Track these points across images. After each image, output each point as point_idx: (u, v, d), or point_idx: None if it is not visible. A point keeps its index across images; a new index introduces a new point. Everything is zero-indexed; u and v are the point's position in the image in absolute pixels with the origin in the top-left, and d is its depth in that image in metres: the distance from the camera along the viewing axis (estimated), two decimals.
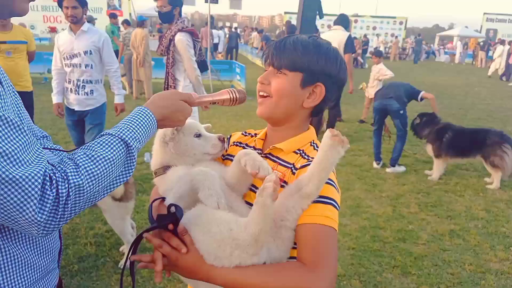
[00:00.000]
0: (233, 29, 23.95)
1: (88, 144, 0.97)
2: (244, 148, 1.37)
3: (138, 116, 1.05)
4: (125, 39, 10.17)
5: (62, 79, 4.17)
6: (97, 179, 0.92)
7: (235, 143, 1.41)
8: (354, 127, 8.38)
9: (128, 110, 6.25)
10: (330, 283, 0.97)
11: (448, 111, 10.31)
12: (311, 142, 1.28)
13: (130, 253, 1.10)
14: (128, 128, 1.01)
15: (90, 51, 4.01)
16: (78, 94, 4.10)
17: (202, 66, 4.45)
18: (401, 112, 5.64)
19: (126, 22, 11.25)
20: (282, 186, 1.20)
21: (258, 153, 1.30)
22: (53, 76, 4.18)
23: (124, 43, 10.23)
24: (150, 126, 1.07)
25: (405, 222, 4.22)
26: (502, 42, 21.49)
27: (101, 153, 0.94)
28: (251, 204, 1.22)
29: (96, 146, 0.95)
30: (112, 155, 0.95)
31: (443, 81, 16.89)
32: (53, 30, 26.44)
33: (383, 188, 5.15)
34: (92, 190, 0.91)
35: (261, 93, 1.24)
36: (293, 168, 1.20)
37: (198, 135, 1.31)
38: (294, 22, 13.34)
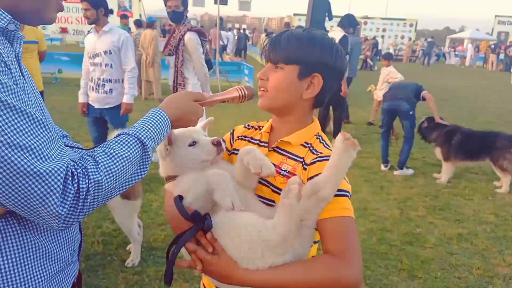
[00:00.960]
0: (241, 31, 24.05)
1: (107, 142, 1.02)
2: (249, 141, 1.40)
3: (153, 117, 1.09)
4: (136, 40, 10.24)
5: (88, 80, 4.33)
6: (115, 176, 0.96)
7: (239, 137, 1.43)
8: (362, 129, 8.35)
9: (137, 110, 6.30)
10: (359, 266, 1.05)
11: (458, 114, 10.23)
12: (316, 135, 1.31)
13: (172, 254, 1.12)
14: (144, 128, 1.05)
15: (110, 50, 4.10)
16: (98, 92, 4.22)
17: (208, 65, 4.53)
18: (411, 113, 5.61)
19: (137, 23, 11.33)
20: None
21: (264, 146, 1.33)
22: (82, 75, 4.36)
23: (134, 44, 10.29)
24: (164, 127, 1.11)
25: (412, 225, 4.19)
26: None
27: (119, 151, 0.98)
28: (263, 198, 1.26)
29: (114, 145, 1.00)
30: (129, 153, 0.99)
31: (454, 84, 16.76)
32: (64, 30, 26.68)
33: (390, 190, 5.12)
34: (110, 186, 0.95)
35: (261, 89, 1.27)
36: (303, 163, 1.23)
37: (193, 143, 1.30)
38: (303, 23, 13.34)
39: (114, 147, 0.99)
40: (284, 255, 1.05)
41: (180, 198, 1.14)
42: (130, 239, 3.28)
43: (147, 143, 1.04)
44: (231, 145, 1.43)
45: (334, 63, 1.23)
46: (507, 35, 33.19)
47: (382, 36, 30.45)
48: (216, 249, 1.09)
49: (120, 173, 0.97)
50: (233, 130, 1.47)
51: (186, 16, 4.33)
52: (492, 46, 27.08)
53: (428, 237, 3.96)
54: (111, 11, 7.94)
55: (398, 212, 4.49)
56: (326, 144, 1.29)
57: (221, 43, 18.24)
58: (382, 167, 5.93)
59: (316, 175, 1.13)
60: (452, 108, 11.00)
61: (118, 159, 0.97)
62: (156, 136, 1.07)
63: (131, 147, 1.00)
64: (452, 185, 5.45)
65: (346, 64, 1.30)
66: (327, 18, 10.06)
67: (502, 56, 25.77)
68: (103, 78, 4.18)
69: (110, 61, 4.13)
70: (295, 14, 29.35)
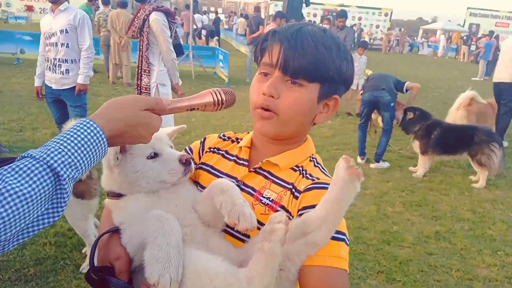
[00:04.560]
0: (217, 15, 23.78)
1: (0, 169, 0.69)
2: (223, 156, 1.10)
3: (79, 133, 0.75)
4: (100, 20, 9.66)
5: (45, 62, 4.15)
6: (0, 224, 0.64)
7: (211, 149, 1.14)
8: (338, 119, 8.16)
9: (104, 95, 5.94)
10: None
11: (432, 105, 10.21)
12: (310, 157, 1.04)
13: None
14: (61, 150, 0.72)
15: (66, 29, 3.93)
16: (55, 72, 4.05)
17: (178, 50, 4.17)
18: (392, 104, 5.44)
19: (104, 1, 10.69)
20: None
21: (243, 165, 1.04)
22: (38, 58, 4.20)
23: (99, 24, 9.71)
24: (95, 147, 0.76)
25: (389, 223, 4.04)
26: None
27: (13, 186, 0.66)
28: (233, 229, 0.97)
29: (7, 174, 0.67)
30: (30, 189, 0.67)
31: (427, 75, 16.85)
32: (30, 9, 25.38)
33: (367, 185, 4.95)
34: None
35: (266, 108, 0.95)
36: (293, 190, 0.96)
37: (153, 156, 0.98)
38: (279, 9, 13.05)
39: (6, 179, 0.67)
40: None
41: (115, 232, 0.86)
42: (85, 241, 2.96)
43: (62, 172, 0.71)
44: (200, 157, 1.14)
45: (351, 77, 0.99)
46: (478, 27, 33.81)
47: (358, 25, 30.42)
48: None
49: (12, 218, 0.65)
50: (205, 139, 1.18)
51: None
52: (464, 38, 27.51)
53: (405, 236, 3.80)
54: None
55: (374, 208, 4.33)
56: (323, 168, 1.03)
57: (195, 26, 17.69)
58: (359, 159, 5.76)
59: (311, 206, 0.87)
60: (426, 99, 10.98)
61: (9, 199, 0.65)
62: (80, 161, 0.74)
63: (34, 179, 0.68)
64: (428, 179, 5.34)
65: None
66: (304, 5, 9.83)
67: (473, 47, 26.20)
68: (59, 58, 3.99)
69: (66, 40, 3.94)
70: (271, 0, 28.88)
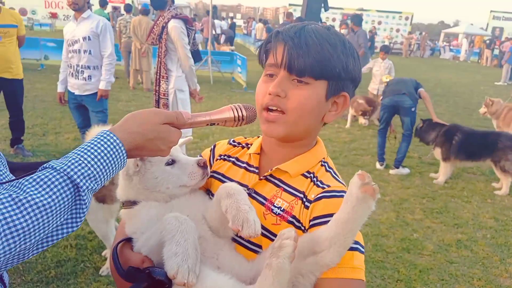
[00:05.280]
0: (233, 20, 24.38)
1: (21, 180, 0.71)
2: (234, 164, 1.09)
3: (99, 145, 0.77)
4: (121, 26, 9.83)
5: (67, 68, 4.25)
6: (20, 234, 0.66)
7: (221, 157, 1.13)
8: (356, 124, 8.10)
9: (124, 100, 6.05)
10: None
11: (453, 110, 10.05)
12: (321, 161, 1.01)
13: None
14: (81, 161, 0.74)
15: (89, 37, 4.03)
16: (78, 79, 4.14)
17: (196, 56, 4.22)
18: (413, 109, 5.36)
19: (126, 8, 10.86)
20: (290, 222, 0.94)
21: (254, 172, 1.03)
22: (61, 65, 4.31)
23: (120, 30, 9.88)
24: (115, 159, 0.78)
25: (409, 230, 3.97)
26: None
27: (34, 197, 0.68)
28: (245, 241, 0.97)
29: (28, 185, 0.69)
30: (50, 200, 0.69)
31: (448, 79, 16.57)
32: (54, 16, 26.06)
33: (386, 191, 4.89)
34: (10, 249, 0.65)
35: (273, 109, 0.94)
36: (304, 199, 0.94)
37: (171, 162, 1.01)
38: (298, 14, 13.04)
39: (27, 189, 0.68)
40: None
41: (127, 240, 0.87)
42: (105, 244, 3.01)
43: (82, 184, 0.73)
44: (210, 166, 1.14)
45: (359, 75, 0.98)
46: (502, 30, 33.09)
47: (376, 29, 30.14)
48: None
49: (32, 228, 0.67)
50: (214, 146, 1.18)
51: (173, 2, 4.02)
52: (487, 42, 26.93)
53: (425, 244, 3.73)
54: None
55: (394, 215, 4.27)
56: (335, 173, 1.01)
57: (214, 32, 17.87)
58: (378, 165, 5.69)
59: (322, 217, 0.86)
60: (448, 104, 10.80)
61: (29, 209, 0.67)
62: (100, 174, 0.76)
63: (54, 190, 0.70)
64: (449, 186, 5.24)
65: None
66: (322, 9, 9.79)
67: (496, 51, 25.63)
68: (82, 65, 4.09)
69: (89, 47, 4.04)
70: (290, 5, 28.91)
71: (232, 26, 21.53)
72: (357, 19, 7.56)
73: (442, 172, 5.30)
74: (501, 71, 17.90)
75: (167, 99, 4.10)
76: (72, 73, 4.16)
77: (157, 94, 4.21)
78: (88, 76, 4.11)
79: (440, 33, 41.41)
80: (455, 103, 11.22)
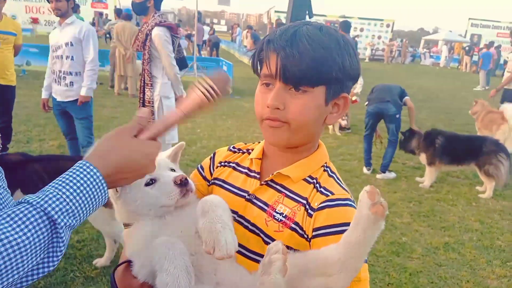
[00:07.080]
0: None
1: None
2: (234, 169, 1.08)
3: (78, 177, 0.71)
4: (112, 30, 9.74)
5: (52, 74, 4.21)
6: None
7: (221, 163, 1.11)
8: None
9: (109, 106, 5.98)
10: None
11: (435, 115, 10.24)
12: (324, 166, 1.01)
13: None
14: (59, 196, 0.68)
15: (71, 42, 4.00)
16: (60, 85, 4.11)
17: (181, 63, 4.19)
18: (397, 116, 5.44)
19: (117, 12, 10.70)
20: (293, 229, 0.92)
21: (255, 177, 1.01)
22: (46, 71, 4.28)
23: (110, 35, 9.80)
24: (95, 192, 0.72)
25: (398, 234, 4.02)
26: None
27: (7, 234, 0.62)
28: (249, 251, 0.96)
29: (3, 221, 0.64)
30: (24, 237, 0.63)
31: (430, 85, 16.88)
32: (35, 21, 25.57)
33: None
34: None
35: (275, 119, 0.92)
36: (307, 206, 0.93)
37: (150, 182, 0.93)
38: (283, 20, 13.15)
39: (1, 226, 0.63)
40: None
41: (129, 263, 0.86)
42: (116, 240, 3.06)
43: (59, 220, 0.67)
44: (211, 174, 1.12)
45: (358, 72, 0.96)
46: (480, 37, 33.93)
47: (359, 36, 30.56)
48: None
49: (2, 270, 0.61)
50: (214, 154, 1.16)
51: (157, 8, 3.93)
52: (467, 48, 27.60)
53: (414, 247, 3.79)
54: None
55: None
56: (338, 179, 1.00)
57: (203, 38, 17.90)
58: (365, 170, 5.76)
59: (326, 227, 0.86)
60: (429, 109, 11.00)
61: (1, 248, 0.61)
62: (78, 208, 0.70)
63: (30, 226, 0.64)
64: (435, 190, 5.33)
65: None
66: (307, 16, 9.89)
67: (475, 58, 26.26)
68: (64, 71, 4.06)
69: (71, 53, 4.02)
70: (275, 12, 29.11)
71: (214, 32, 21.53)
72: (345, 26, 7.60)
73: (428, 176, 5.39)
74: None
75: (152, 106, 4.03)
76: (55, 79, 4.13)
77: (141, 101, 4.12)
78: (70, 82, 4.07)
79: (420, 40, 42.25)
80: (437, 108, 11.43)
